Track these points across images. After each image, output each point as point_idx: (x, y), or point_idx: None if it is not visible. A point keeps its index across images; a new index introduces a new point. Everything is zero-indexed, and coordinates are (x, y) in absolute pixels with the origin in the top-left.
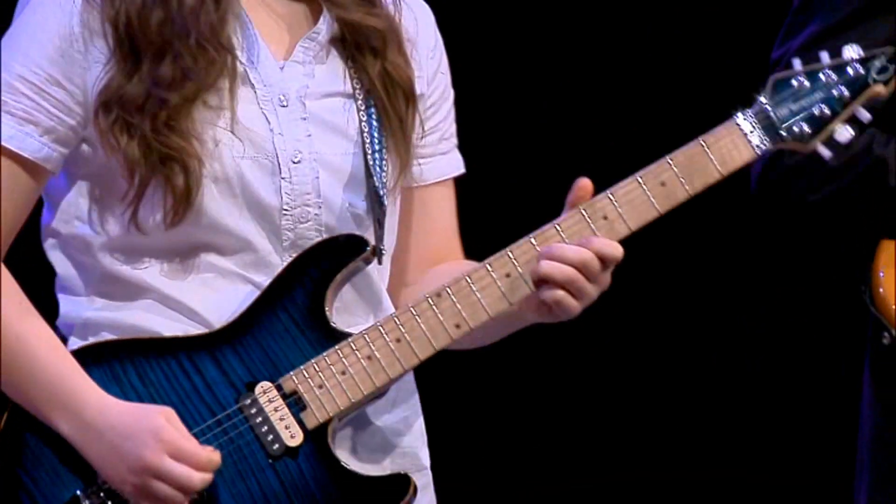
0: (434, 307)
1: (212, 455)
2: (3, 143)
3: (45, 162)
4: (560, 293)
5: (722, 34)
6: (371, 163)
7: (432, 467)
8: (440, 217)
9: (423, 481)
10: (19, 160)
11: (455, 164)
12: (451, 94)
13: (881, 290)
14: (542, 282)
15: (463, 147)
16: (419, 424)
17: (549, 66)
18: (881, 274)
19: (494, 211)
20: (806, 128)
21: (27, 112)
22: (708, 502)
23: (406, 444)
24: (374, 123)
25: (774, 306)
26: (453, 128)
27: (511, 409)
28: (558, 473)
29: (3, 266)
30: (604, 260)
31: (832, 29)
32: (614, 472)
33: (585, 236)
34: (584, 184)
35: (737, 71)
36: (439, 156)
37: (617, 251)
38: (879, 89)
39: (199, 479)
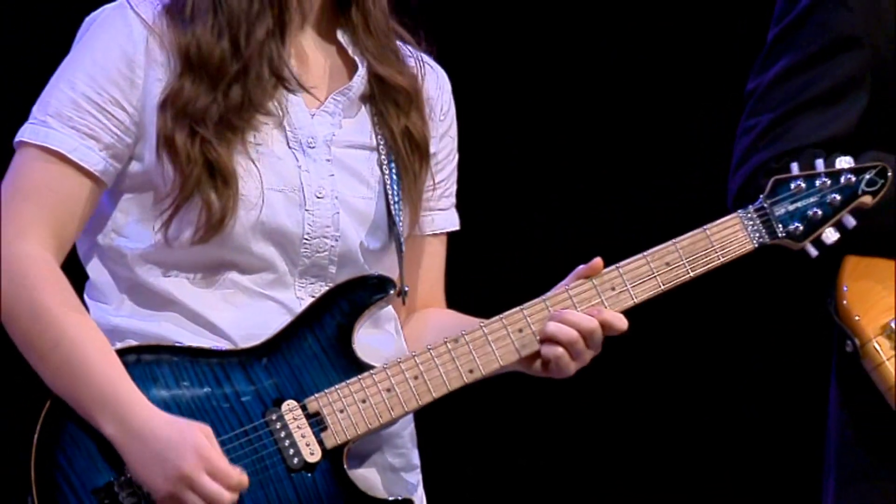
0: (451, 352)
1: (241, 478)
2: (68, 155)
3: (103, 175)
4: (560, 350)
5: (711, 42)
6: (392, 211)
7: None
8: (431, 267)
9: (415, 479)
10: (82, 171)
11: (451, 221)
12: (456, 157)
13: (844, 302)
14: (547, 339)
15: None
16: (411, 429)
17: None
18: (845, 288)
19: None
20: (800, 228)
21: (90, 128)
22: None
23: (400, 445)
24: (394, 176)
25: (750, 320)
26: (454, 187)
27: (501, 422)
28: (548, 481)
29: (60, 270)
30: (609, 331)
31: (801, 65)
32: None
33: (594, 304)
34: (598, 263)
35: (728, 80)
36: (438, 211)
37: (623, 325)
38: (867, 200)
39: (229, 498)
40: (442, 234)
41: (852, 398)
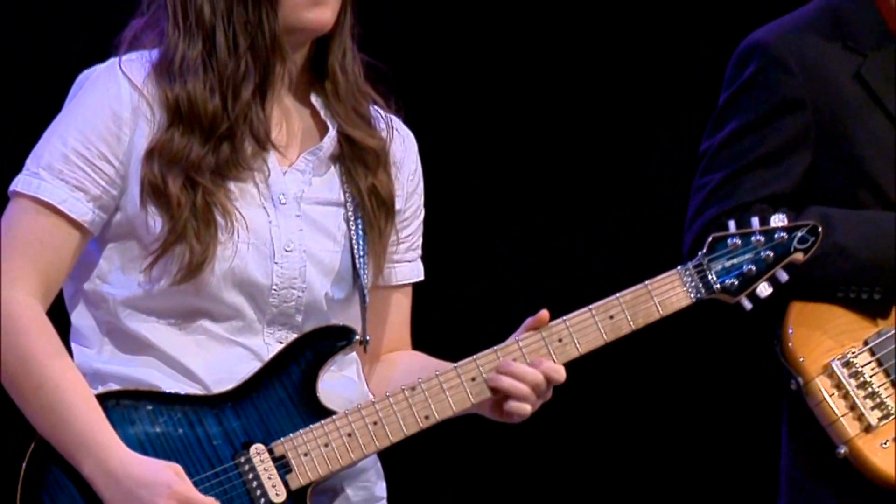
0: (408, 399)
1: None
2: (58, 206)
3: (90, 225)
4: (515, 403)
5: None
6: (357, 265)
7: (389, 499)
8: (398, 314)
9: None
10: (70, 221)
11: (416, 272)
12: (422, 213)
13: (790, 344)
14: (496, 390)
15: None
16: (377, 465)
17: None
18: (790, 331)
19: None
20: (735, 283)
21: (79, 181)
22: None
23: (365, 479)
24: (360, 231)
25: (709, 360)
26: (420, 241)
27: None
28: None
29: (45, 316)
30: (550, 382)
31: (748, 127)
32: None
33: (541, 355)
34: (544, 315)
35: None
36: (405, 263)
37: (561, 376)
38: (799, 256)
39: None
40: (407, 284)
41: (799, 432)
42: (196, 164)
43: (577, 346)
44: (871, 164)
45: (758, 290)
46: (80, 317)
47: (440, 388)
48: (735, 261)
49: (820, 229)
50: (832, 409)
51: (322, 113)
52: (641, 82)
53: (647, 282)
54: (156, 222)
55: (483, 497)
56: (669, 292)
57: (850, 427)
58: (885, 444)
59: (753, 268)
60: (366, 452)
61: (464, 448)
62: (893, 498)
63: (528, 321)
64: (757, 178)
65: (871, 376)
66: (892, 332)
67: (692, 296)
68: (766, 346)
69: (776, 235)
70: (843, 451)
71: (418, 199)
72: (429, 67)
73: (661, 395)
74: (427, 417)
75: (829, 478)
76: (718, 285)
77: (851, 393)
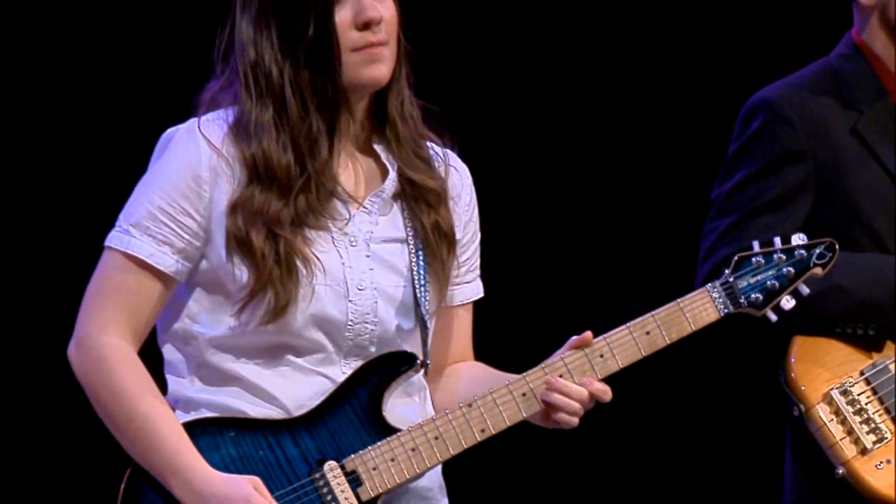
0: (465, 415)
1: None
2: (146, 260)
3: (175, 274)
4: (564, 416)
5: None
6: (418, 295)
7: None
8: (460, 330)
9: None
10: (157, 273)
11: (476, 290)
12: (478, 237)
13: (793, 374)
14: (550, 406)
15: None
16: (440, 481)
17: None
18: (793, 363)
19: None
20: (760, 298)
21: (164, 236)
22: None
23: (430, 497)
24: (421, 263)
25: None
26: (478, 262)
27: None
28: None
29: (135, 356)
30: (597, 400)
31: (754, 175)
32: None
33: (585, 370)
34: (588, 336)
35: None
36: (465, 284)
37: (608, 396)
38: (818, 271)
39: None
40: (468, 302)
41: (802, 454)
42: (276, 217)
43: (618, 361)
44: (867, 210)
45: (781, 304)
46: (171, 352)
47: (494, 404)
48: (759, 277)
49: (836, 245)
50: (831, 433)
51: (383, 156)
52: (672, 99)
53: (678, 300)
54: (241, 271)
55: None
56: (700, 308)
57: (848, 450)
58: (880, 465)
59: (776, 283)
60: (429, 465)
61: (523, 468)
62: None
63: (573, 340)
64: (763, 223)
65: (866, 404)
66: (886, 363)
67: (721, 311)
68: (772, 376)
69: (796, 252)
70: (841, 471)
71: (474, 225)
72: (462, 86)
73: (675, 416)
74: (483, 430)
75: (830, 495)
76: (744, 300)
77: (849, 419)
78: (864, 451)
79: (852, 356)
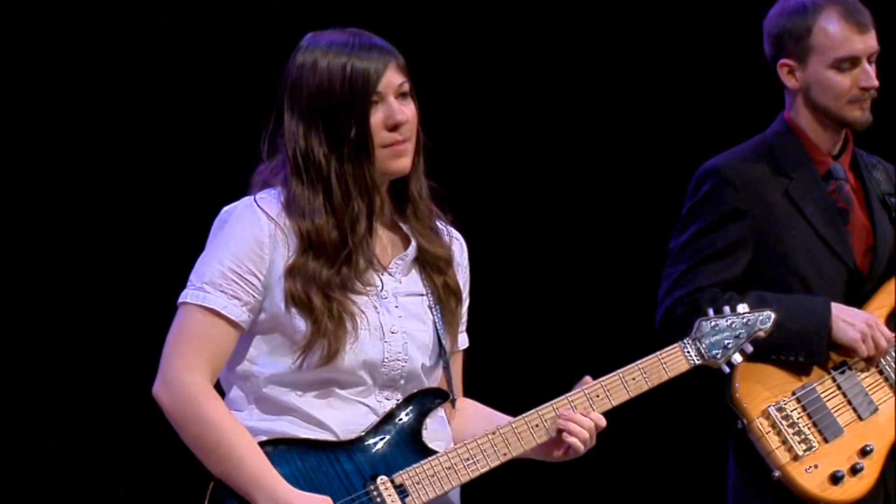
0: (491, 441)
1: None
2: (220, 311)
3: (243, 323)
4: (575, 441)
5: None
6: (441, 338)
7: None
8: (458, 371)
9: None
10: (229, 322)
11: (465, 341)
12: (468, 300)
13: (737, 394)
14: (563, 432)
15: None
16: (457, 496)
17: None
18: (737, 385)
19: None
20: (719, 354)
21: (234, 291)
22: None
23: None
24: (438, 314)
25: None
26: (466, 318)
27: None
28: None
29: (214, 391)
30: (597, 427)
31: (704, 230)
32: None
33: (584, 408)
34: (588, 380)
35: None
36: (461, 334)
37: (603, 423)
38: (761, 334)
39: None
40: (460, 351)
41: (743, 459)
42: (328, 282)
43: (611, 400)
44: (796, 259)
45: (733, 359)
46: (232, 389)
47: (514, 432)
48: (717, 338)
49: (774, 316)
50: (769, 442)
51: (405, 229)
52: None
53: (657, 353)
54: (300, 323)
55: None
56: (674, 361)
57: (783, 456)
58: (809, 469)
59: (731, 343)
60: (462, 481)
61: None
62: None
63: (578, 385)
64: (711, 269)
65: (798, 419)
66: (813, 386)
67: (691, 363)
68: (718, 394)
69: (745, 319)
70: (777, 474)
71: (467, 287)
72: (459, 130)
73: (638, 430)
74: (505, 454)
75: (767, 494)
76: (708, 356)
77: (783, 431)
78: (796, 458)
79: (786, 379)
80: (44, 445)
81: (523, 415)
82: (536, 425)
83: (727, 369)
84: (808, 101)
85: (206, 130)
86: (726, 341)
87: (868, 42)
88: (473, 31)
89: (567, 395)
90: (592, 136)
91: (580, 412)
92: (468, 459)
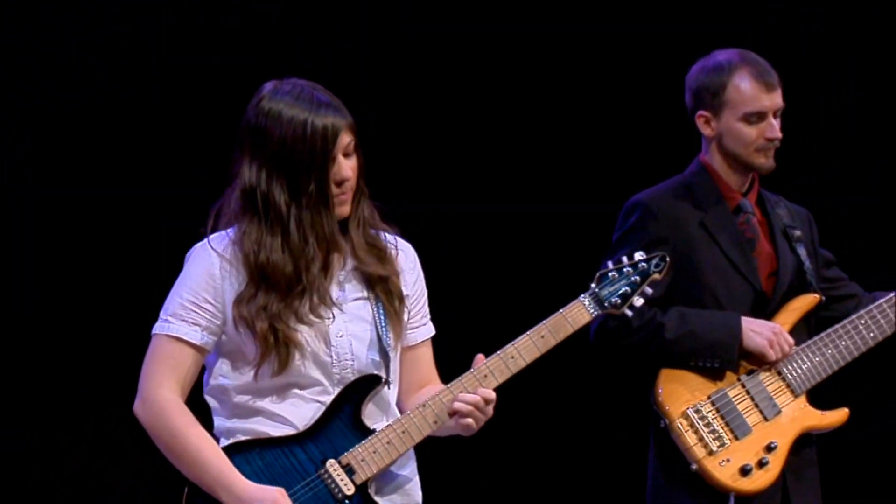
0: (422, 413)
1: None
2: (183, 337)
3: (205, 346)
4: (466, 420)
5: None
6: (381, 334)
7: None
8: (423, 362)
9: None
10: (191, 345)
11: (429, 330)
12: (425, 291)
13: (660, 398)
14: (454, 412)
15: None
16: (415, 474)
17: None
18: (660, 390)
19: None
20: (619, 301)
21: (193, 319)
22: None
23: (408, 487)
24: (381, 314)
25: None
26: (426, 308)
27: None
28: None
29: (183, 404)
30: (487, 401)
31: (633, 253)
32: None
33: (501, 370)
34: (480, 358)
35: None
36: (420, 326)
37: (491, 395)
38: (657, 276)
39: None
40: (425, 340)
41: (663, 454)
42: (277, 314)
43: (524, 359)
44: (710, 281)
45: (633, 303)
46: (213, 400)
47: (441, 402)
48: (616, 286)
49: (668, 258)
50: (688, 440)
51: (345, 252)
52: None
53: (561, 310)
54: (250, 344)
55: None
56: (576, 314)
57: (699, 452)
58: (723, 463)
59: (629, 289)
60: (401, 452)
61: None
62: (725, 497)
63: (475, 361)
64: None
65: (712, 420)
66: (725, 391)
67: (591, 313)
68: (643, 397)
69: (640, 265)
70: (694, 467)
71: (420, 285)
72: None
73: (571, 428)
74: (436, 422)
75: (683, 483)
76: (607, 304)
77: (700, 430)
78: (711, 453)
79: (703, 383)
80: (44, 445)
81: (451, 384)
82: (450, 399)
83: (629, 313)
84: (720, 148)
85: (206, 130)
86: (624, 289)
87: (774, 100)
88: (471, 32)
89: (460, 378)
90: (558, 134)
91: (498, 377)
92: (403, 432)
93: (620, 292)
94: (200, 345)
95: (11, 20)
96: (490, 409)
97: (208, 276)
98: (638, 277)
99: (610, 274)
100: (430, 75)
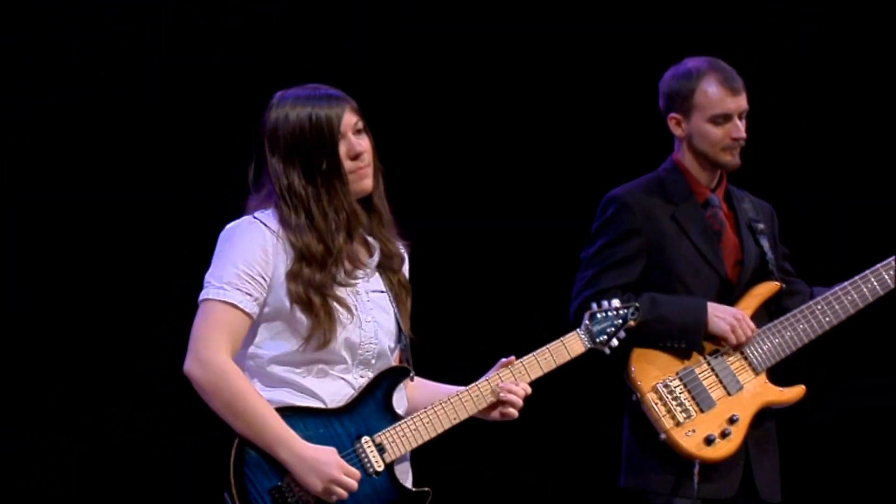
0: (444, 407)
1: (358, 475)
2: (237, 304)
3: (253, 314)
4: (511, 409)
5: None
6: (401, 325)
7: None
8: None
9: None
10: (244, 312)
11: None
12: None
13: (633, 374)
14: (503, 403)
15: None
16: (408, 464)
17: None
18: (633, 367)
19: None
20: (605, 339)
21: (247, 289)
22: None
23: (408, 469)
24: (395, 306)
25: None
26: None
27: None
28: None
29: (237, 366)
30: (526, 394)
31: (607, 245)
32: None
33: (511, 381)
34: (512, 359)
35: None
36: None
37: (529, 391)
38: (632, 323)
39: (355, 486)
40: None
41: (636, 425)
42: (321, 283)
43: (530, 375)
44: (680, 269)
45: (612, 344)
46: (241, 366)
47: (460, 400)
48: (602, 326)
49: (639, 308)
50: (657, 412)
51: (370, 240)
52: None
53: (562, 338)
54: (303, 318)
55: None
56: (574, 344)
57: (668, 423)
58: (689, 433)
59: (612, 330)
60: (425, 439)
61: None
62: (691, 464)
63: (501, 361)
64: (613, 275)
65: (680, 394)
66: (692, 368)
67: (586, 346)
68: (617, 373)
69: (620, 311)
70: (663, 436)
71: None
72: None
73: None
74: (454, 418)
75: (654, 451)
76: (598, 340)
77: (668, 403)
78: (678, 424)
79: (671, 362)
80: (44, 445)
81: (468, 387)
82: (478, 396)
83: (607, 351)
84: (690, 147)
85: (206, 130)
86: (609, 329)
87: (739, 102)
88: (472, 32)
89: (497, 372)
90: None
91: (513, 382)
92: (429, 422)
93: (607, 332)
94: (251, 314)
95: (11, 20)
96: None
97: (262, 250)
98: (620, 321)
99: (598, 315)
100: (430, 75)
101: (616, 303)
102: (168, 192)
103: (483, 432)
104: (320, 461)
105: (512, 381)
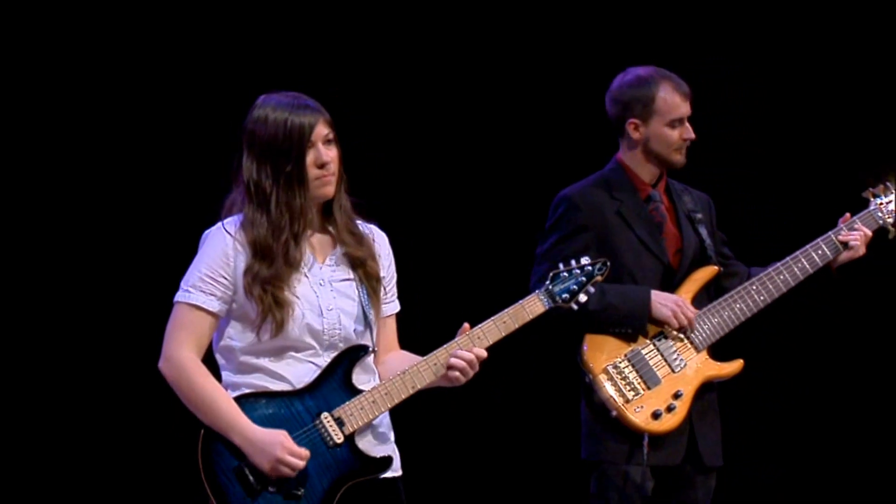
0: (402, 378)
1: (306, 453)
2: (202, 305)
3: (219, 313)
4: (456, 373)
5: None
6: (365, 310)
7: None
8: (390, 332)
9: (390, 449)
10: (208, 312)
11: (396, 306)
12: (395, 276)
13: (585, 357)
14: (450, 367)
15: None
16: (390, 429)
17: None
18: (585, 350)
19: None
20: (567, 296)
21: (211, 290)
22: None
23: (383, 434)
24: (364, 292)
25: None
26: (395, 289)
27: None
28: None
29: (200, 361)
30: (479, 358)
31: (559, 240)
32: None
33: (468, 347)
34: (467, 326)
35: None
36: (389, 303)
37: (483, 354)
38: (599, 277)
39: (301, 465)
40: (392, 315)
41: (591, 403)
42: (265, 278)
43: (488, 339)
44: (626, 261)
45: (580, 299)
46: (221, 358)
47: (418, 370)
48: (566, 284)
49: (608, 263)
50: (608, 391)
51: (333, 234)
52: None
53: (521, 301)
54: (252, 308)
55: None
56: (533, 305)
57: (619, 400)
58: (637, 409)
59: (576, 287)
60: (383, 410)
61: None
62: (641, 437)
63: (460, 330)
64: None
65: (628, 374)
66: (639, 349)
67: (546, 306)
68: (572, 357)
69: (586, 268)
70: (614, 413)
71: (391, 267)
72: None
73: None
74: (413, 387)
75: (607, 427)
76: (559, 299)
77: (618, 383)
78: (627, 401)
79: (620, 345)
80: (44, 445)
81: (424, 357)
82: (434, 364)
83: (575, 307)
84: (645, 149)
85: (206, 131)
86: (573, 286)
87: (688, 107)
88: (472, 35)
89: (455, 339)
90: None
91: (464, 349)
92: (386, 394)
93: (570, 289)
94: (215, 312)
95: (11, 20)
96: (477, 368)
97: (223, 254)
98: (584, 278)
99: (561, 274)
100: (426, 76)
101: (584, 260)
102: (168, 192)
103: (460, 414)
104: (266, 443)
105: (469, 346)
